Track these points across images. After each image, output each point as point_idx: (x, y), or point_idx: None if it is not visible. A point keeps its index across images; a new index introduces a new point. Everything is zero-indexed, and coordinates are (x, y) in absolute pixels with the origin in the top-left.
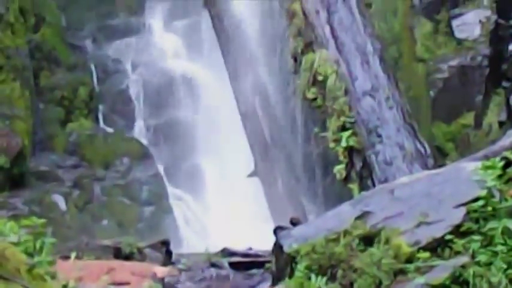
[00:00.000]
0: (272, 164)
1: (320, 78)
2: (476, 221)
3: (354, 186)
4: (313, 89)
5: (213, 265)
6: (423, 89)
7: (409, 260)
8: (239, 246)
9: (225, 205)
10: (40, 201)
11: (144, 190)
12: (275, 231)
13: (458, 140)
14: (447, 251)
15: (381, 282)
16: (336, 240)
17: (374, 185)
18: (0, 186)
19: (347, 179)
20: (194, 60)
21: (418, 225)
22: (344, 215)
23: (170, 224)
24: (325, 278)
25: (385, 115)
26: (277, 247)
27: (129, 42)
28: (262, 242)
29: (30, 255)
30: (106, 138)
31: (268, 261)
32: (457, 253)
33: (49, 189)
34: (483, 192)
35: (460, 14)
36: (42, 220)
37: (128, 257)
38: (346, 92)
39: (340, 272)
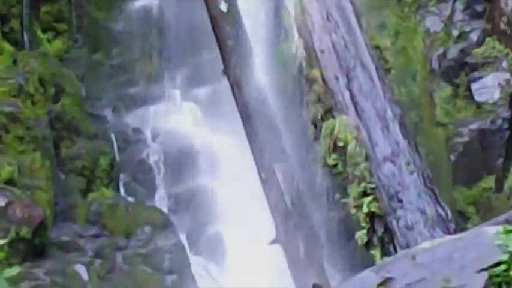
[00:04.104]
0: (293, 231)
1: (340, 144)
2: (499, 285)
3: (375, 252)
4: (334, 155)
5: None
6: (443, 153)
7: None
8: None
9: (247, 273)
10: (62, 271)
11: (166, 259)
12: None
13: (480, 203)
14: None
15: None
16: None
17: (396, 251)
18: (22, 256)
19: (369, 244)
20: (213, 128)
21: None
22: (366, 281)
23: None
24: None
25: (406, 180)
26: None
27: (149, 110)
28: None
29: None
30: (127, 207)
31: None
32: None
33: (71, 259)
34: (505, 257)
35: (479, 78)
36: None
37: None
38: (367, 158)
39: None
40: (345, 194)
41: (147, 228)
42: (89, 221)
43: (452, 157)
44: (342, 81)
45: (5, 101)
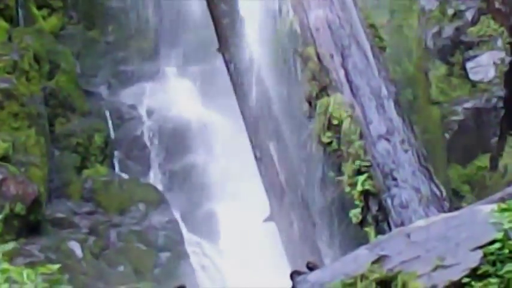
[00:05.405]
0: (288, 209)
1: (335, 122)
2: (493, 263)
3: (370, 230)
4: (328, 133)
5: None
6: (438, 132)
7: None
8: None
9: (241, 250)
10: (56, 248)
11: (160, 236)
12: (291, 276)
13: (474, 182)
14: None
15: None
16: (353, 285)
17: (390, 229)
18: (16, 233)
19: (363, 222)
20: (209, 106)
21: (435, 268)
22: (361, 259)
23: (186, 269)
24: None
25: (401, 158)
26: None
27: (144, 88)
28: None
29: None
30: (121, 184)
31: None
32: None
33: (65, 236)
34: (500, 235)
35: (474, 56)
36: (58, 265)
37: None
38: (361, 136)
39: None
40: (340, 172)
41: (142, 206)
42: (83, 198)
43: (447, 136)
44: (337, 59)
45: None
